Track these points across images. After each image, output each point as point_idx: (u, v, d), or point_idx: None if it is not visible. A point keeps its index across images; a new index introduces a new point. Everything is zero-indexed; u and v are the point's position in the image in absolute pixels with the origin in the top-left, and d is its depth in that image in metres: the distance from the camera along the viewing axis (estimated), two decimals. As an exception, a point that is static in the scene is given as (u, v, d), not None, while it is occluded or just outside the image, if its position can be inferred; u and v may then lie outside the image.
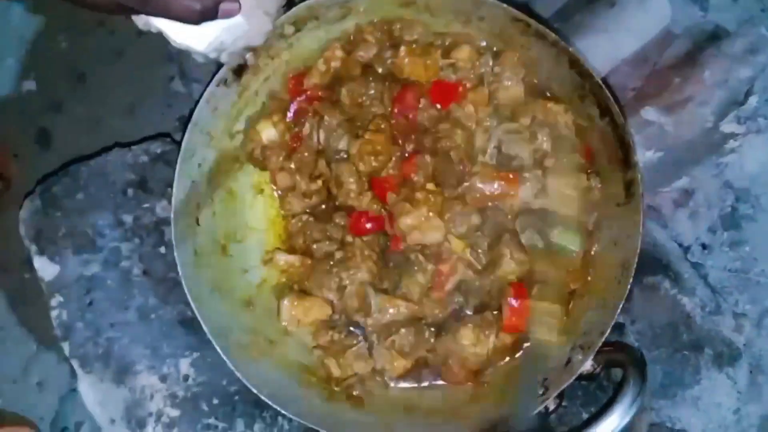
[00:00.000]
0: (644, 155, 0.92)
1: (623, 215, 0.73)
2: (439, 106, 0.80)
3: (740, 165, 1.02)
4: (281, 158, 0.81)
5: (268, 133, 0.81)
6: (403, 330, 0.75)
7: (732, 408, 0.94)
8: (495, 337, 0.76)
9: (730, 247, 1.03)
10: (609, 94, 0.71)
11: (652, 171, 0.94)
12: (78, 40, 1.03)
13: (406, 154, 0.78)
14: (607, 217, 0.76)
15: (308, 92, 0.83)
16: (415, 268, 0.75)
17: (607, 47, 0.94)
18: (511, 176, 0.77)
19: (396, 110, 0.78)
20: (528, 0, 1.02)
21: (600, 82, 0.71)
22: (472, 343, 0.76)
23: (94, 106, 1.01)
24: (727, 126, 0.95)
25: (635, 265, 0.69)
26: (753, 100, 0.95)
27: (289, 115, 0.83)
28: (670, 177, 0.97)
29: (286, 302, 0.79)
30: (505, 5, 0.72)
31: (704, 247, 1.03)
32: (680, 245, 1.01)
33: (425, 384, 0.80)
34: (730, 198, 1.03)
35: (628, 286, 0.69)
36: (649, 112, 0.92)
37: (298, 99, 0.83)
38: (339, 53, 0.81)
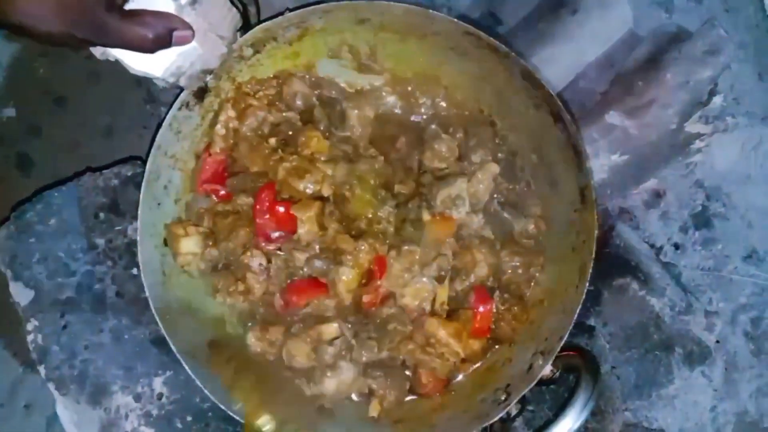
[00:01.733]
0: (610, 159, 0.94)
1: (579, 221, 0.74)
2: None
3: (710, 164, 1.03)
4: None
5: (187, 244, 0.81)
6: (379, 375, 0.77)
7: (708, 406, 0.95)
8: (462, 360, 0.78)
9: (703, 245, 1.03)
10: (560, 103, 0.72)
11: (619, 174, 0.95)
12: (55, 66, 1.04)
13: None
14: (565, 223, 0.78)
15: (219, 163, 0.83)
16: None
17: (572, 53, 0.96)
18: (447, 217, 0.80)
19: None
20: (495, 10, 1.04)
21: (551, 91, 0.73)
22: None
23: (72, 129, 1.03)
24: (693, 126, 0.96)
25: (591, 270, 0.70)
26: (718, 100, 0.96)
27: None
28: (638, 179, 0.98)
29: (251, 337, 0.80)
30: (455, 20, 0.74)
31: (677, 246, 1.03)
32: (652, 246, 1.02)
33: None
34: (700, 197, 1.04)
35: (585, 291, 0.70)
36: (612, 116, 0.93)
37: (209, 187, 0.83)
38: (232, 113, 0.82)
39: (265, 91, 0.83)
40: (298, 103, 0.84)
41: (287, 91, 0.84)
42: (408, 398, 0.80)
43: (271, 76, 0.83)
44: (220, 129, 0.82)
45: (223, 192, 0.83)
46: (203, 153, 0.83)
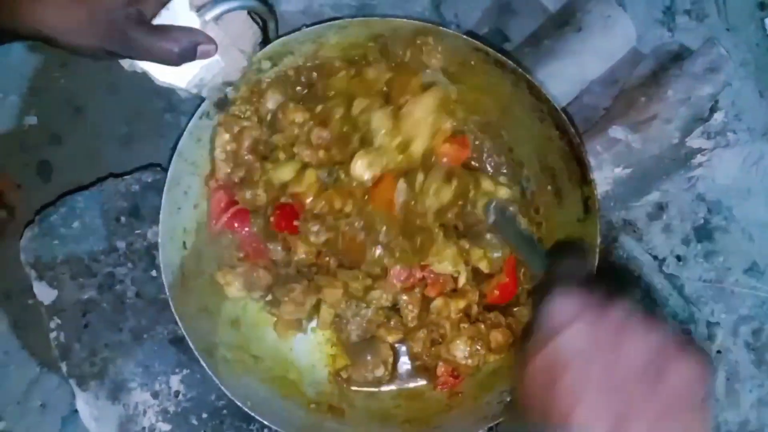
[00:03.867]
0: (613, 172, 0.96)
1: (583, 231, 0.76)
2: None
3: (712, 178, 1.05)
4: None
5: (232, 291, 0.84)
6: None
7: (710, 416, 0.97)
8: (487, 350, 0.80)
9: (705, 258, 1.05)
10: (565, 117, 0.75)
11: (622, 186, 0.97)
12: (76, 76, 1.07)
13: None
14: (569, 232, 0.80)
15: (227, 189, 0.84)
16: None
17: (576, 69, 0.99)
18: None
19: None
20: (502, 27, 1.08)
21: (555, 105, 0.75)
22: (464, 355, 0.80)
23: (92, 138, 1.05)
24: (695, 141, 0.98)
25: (594, 278, 0.72)
26: (719, 116, 0.98)
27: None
28: (641, 192, 1.01)
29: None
30: (465, 36, 0.77)
31: (679, 258, 1.05)
32: (655, 258, 1.04)
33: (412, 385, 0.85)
34: (702, 210, 1.06)
35: (587, 298, 0.72)
36: (616, 131, 0.96)
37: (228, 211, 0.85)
38: (226, 136, 0.83)
39: (252, 108, 0.84)
40: (270, 107, 0.84)
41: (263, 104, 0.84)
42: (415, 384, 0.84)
43: (250, 92, 0.83)
44: (219, 154, 0.84)
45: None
46: (210, 180, 0.84)
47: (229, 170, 0.84)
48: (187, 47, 0.66)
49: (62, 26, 0.61)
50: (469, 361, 0.80)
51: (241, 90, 0.82)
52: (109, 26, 0.61)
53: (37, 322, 0.92)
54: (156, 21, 0.66)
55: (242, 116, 0.84)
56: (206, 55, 0.68)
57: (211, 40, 0.68)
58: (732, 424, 1.00)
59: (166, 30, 0.65)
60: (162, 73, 0.69)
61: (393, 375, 0.84)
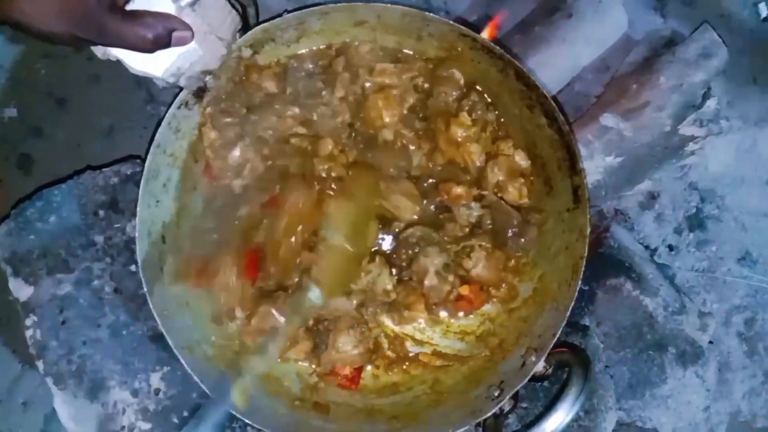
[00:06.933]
0: (605, 160, 0.95)
1: (572, 220, 0.75)
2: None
3: (704, 166, 1.04)
4: None
5: None
6: None
7: (701, 406, 0.96)
8: None
9: (697, 247, 1.04)
10: (554, 104, 0.73)
11: (613, 175, 0.96)
12: (56, 67, 1.05)
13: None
14: (559, 222, 0.79)
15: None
16: None
17: (567, 56, 0.97)
18: None
19: None
20: (492, 13, 1.06)
21: (545, 92, 0.74)
22: None
23: (74, 130, 1.04)
24: (687, 129, 0.97)
25: (583, 268, 0.71)
26: (712, 103, 0.97)
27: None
28: (633, 180, 0.99)
29: None
30: (451, 22, 0.75)
31: (671, 248, 1.04)
32: (647, 247, 1.03)
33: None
34: (695, 199, 1.05)
35: (577, 289, 0.71)
36: (607, 119, 0.94)
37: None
38: (214, 134, 0.81)
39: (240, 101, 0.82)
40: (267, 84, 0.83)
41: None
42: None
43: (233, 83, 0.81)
44: (210, 153, 0.82)
45: None
46: (204, 171, 0.83)
47: (223, 164, 0.82)
48: (161, 33, 0.64)
49: (33, 11, 0.59)
50: None
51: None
52: (80, 12, 0.60)
53: (16, 319, 0.90)
54: (129, 6, 0.64)
55: (228, 110, 0.82)
56: (182, 42, 0.66)
57: (186, 27, 0.66)
58: (723, 414, 0.99)
59: (139, 15, 0.63)
60: (137, 61, 0.67)
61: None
